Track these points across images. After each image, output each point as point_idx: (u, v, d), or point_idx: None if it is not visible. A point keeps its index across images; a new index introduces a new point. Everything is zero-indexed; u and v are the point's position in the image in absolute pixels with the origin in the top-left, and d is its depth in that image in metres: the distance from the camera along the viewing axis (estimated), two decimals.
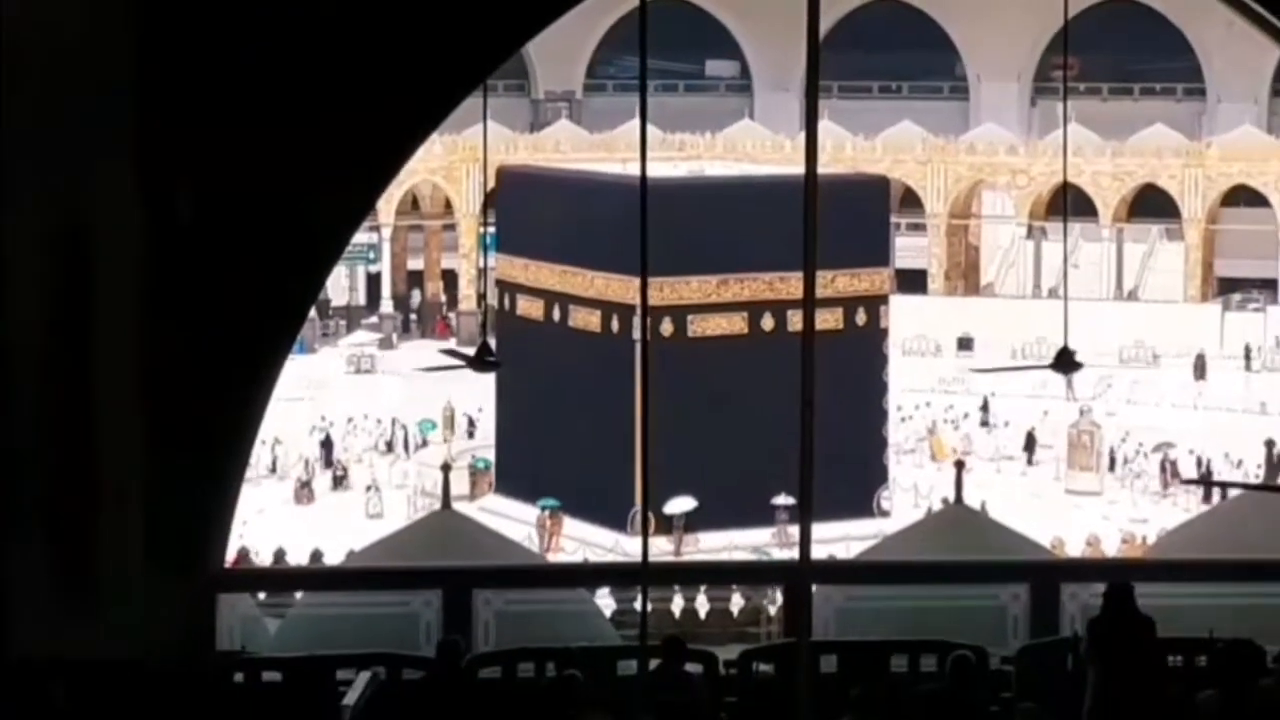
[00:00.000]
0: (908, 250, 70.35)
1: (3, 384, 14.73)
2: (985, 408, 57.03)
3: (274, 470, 51.54)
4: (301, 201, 15.22)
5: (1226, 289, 70.76)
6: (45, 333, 14.83)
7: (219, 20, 14.95)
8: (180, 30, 14.87)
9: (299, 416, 52.04)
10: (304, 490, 51.00)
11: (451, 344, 64.91)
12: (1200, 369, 62.68)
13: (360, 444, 55.10)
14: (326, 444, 54.05)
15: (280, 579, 22.28)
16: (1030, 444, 54.27)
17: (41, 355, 14.83)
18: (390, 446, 55.12)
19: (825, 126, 63.26)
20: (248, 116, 15.00)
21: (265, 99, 15.00)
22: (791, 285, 44.12)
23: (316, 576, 22.87)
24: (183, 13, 14.88)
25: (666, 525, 43.08)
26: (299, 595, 18.30)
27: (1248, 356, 64.37)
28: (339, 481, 52.35)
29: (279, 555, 38.52)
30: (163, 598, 15.19)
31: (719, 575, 26.02)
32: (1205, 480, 45.36)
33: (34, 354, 14.81)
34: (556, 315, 48.40)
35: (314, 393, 55.90)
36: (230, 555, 19.45)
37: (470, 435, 54.80)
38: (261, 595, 18.13)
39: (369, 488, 50.06)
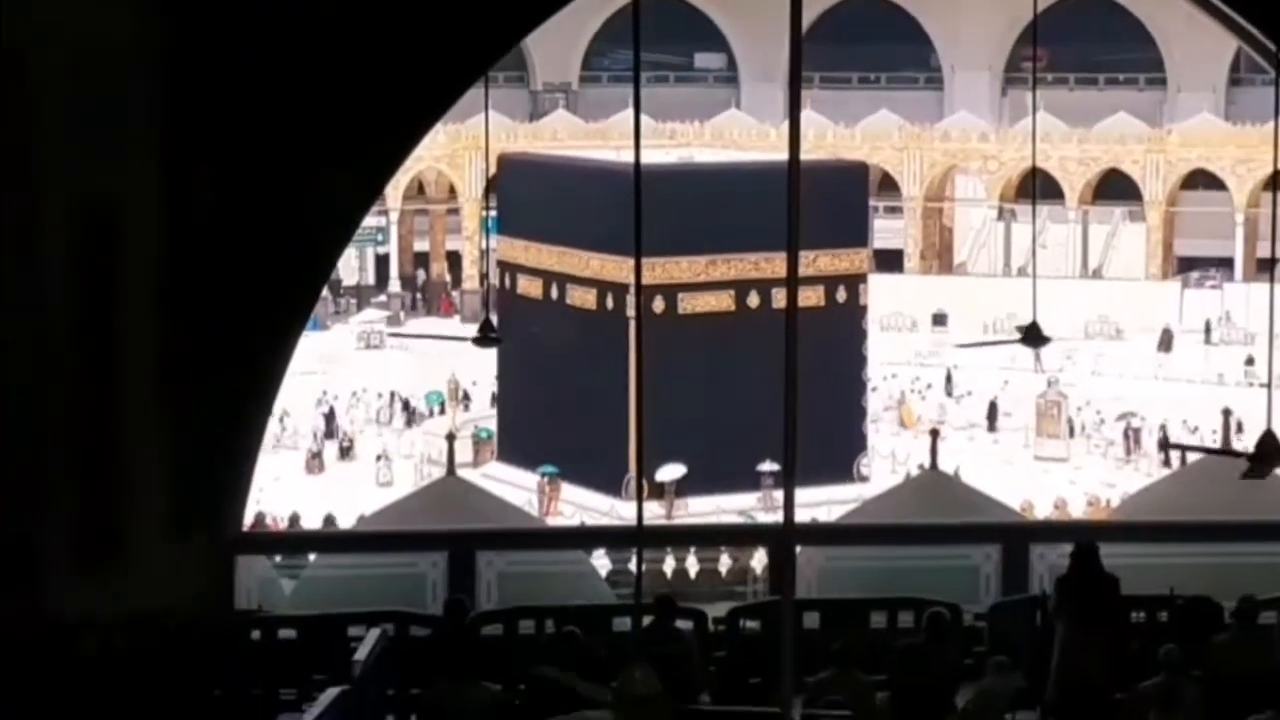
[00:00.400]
0: (885, 232, 70.26)
1: (33, 361, 14.73)
2: (949, 379, 57.01)
3: (283, 440, 51.39)
4: (311, 194, 15.19)
5: (1185, 267, 70.71)
6: (72, 314, 14.82)
7: (220, 21, 14.90)
8: (184, 31, 14.82)
9: (312, 390, 52.05)
10: (315, 460, 50.96)
11: (455, 321, 65.11)
12: (1166, 342, 62.68)
13: (365, 416, 55.03)
14: (330, 416, 53.95)
15: (295, 542, 22.26)
16: (993, 413, 54.27)
17: (69, 334, 14.82)
18: (393, 417, 55.08)
19: (807, 116, 63.17)
20: (256, 115, 14.95)
21: (272, 97, 14.95)
22: (776, 265, 44.09)
23: (329, 539, 22.85)
24: (186, 14, 14.82)
25: (658, 491, 43.04)
26: (313, 557, 18.30)
27: (1208, 331, 64.38)
28: (346, 451, 52.29)
29: (294, 519, 38.52)
30: (185, 560, 15.22)
31: (708, 538, 26.08)
32: (1177, 445, 45.19)
33: (62, 333, 14.81)
34: (555, 294, 48.37)
35: (326, 367, 55.91)
36: (248, 519, 19.45)
37: (465, 408, 54.74)
38: (278, 557, 18.13)
39: (379, 457, 49.97)
